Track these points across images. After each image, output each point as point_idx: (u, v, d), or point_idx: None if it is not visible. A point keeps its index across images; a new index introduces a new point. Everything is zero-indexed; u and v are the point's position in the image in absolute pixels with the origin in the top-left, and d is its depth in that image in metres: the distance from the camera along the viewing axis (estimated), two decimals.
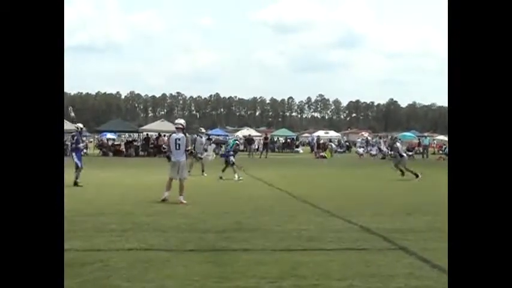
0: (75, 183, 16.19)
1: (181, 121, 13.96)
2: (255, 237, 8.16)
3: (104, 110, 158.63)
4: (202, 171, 21.56)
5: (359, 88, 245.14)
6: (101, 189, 15.56)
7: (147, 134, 45.83)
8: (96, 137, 59.50)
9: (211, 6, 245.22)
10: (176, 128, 13.70)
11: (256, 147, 48.94)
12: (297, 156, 48.60)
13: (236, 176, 19.37)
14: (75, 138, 17.54)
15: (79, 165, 16.69)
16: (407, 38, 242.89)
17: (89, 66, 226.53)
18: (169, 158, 13.63)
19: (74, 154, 17.28)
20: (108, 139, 54.10)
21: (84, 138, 19.39)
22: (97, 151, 45.65)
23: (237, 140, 24.05)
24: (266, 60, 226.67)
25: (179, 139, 13.34)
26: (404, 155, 22.21)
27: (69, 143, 20.70)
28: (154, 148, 41.85)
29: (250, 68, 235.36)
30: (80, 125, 18.13)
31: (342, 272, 6.17)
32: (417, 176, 20.13)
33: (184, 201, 12.44)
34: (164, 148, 13.63)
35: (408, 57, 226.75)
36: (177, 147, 13.29)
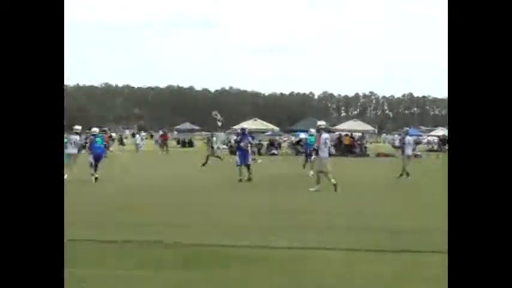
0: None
1: (324, 123, 16.34)
2: None
3: (296, 110, 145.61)
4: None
5: None
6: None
7: (340, 134, 44.54)
8: (290, 136, 55.87)
9: None
10: (320, 129, 15.75)
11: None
12: None
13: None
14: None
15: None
16: None
17: (281, 66, 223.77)
18: (310, 155, 17.44)
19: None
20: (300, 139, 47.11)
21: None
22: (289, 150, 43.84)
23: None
24: None
25: (327, 138, 15.53)
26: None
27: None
28: (346, 147, 41.58)
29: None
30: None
31: None
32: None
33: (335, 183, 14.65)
34: (318, 146, 15.65)
35: None
36: (325, 146, 15.26)
